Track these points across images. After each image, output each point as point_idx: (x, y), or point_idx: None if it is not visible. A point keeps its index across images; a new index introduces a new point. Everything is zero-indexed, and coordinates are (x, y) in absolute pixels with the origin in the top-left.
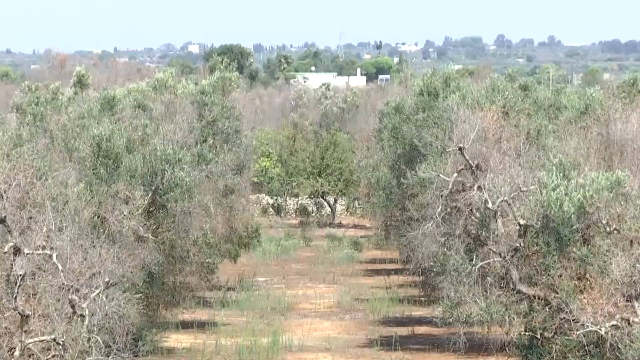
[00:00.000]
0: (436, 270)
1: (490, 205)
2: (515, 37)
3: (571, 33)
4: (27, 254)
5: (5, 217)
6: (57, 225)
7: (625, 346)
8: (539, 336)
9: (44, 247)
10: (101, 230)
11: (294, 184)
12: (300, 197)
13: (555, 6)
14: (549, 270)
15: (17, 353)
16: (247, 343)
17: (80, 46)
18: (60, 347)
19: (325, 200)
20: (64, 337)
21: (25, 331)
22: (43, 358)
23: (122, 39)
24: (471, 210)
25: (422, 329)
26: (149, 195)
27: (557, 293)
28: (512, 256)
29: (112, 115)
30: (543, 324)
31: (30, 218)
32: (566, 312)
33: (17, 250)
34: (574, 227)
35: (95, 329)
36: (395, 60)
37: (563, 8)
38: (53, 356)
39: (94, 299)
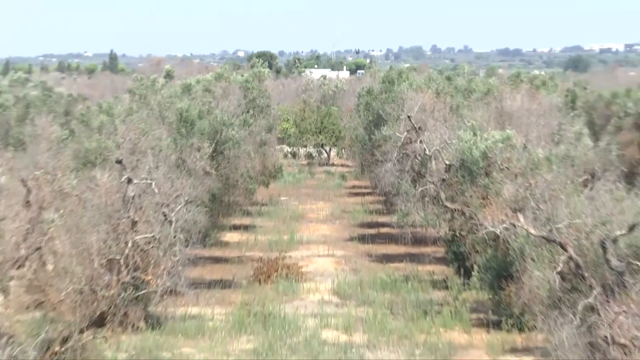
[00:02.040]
0: (393, 193)
1: (427, 152)
2: (443, 46)
3: (479, 43)
4: (136, 183)
5: (122, 159)
6: (155, 165)
7: (512, 240)
8: (457, 234)
9: (146, 178)
10: (182, 168)
11: (303, 138)
12: (307, 147)
13: (468, 25)
14: (464, 193)
15: (129, 245)
16: (274, 238)
17: (169, 52)
18: (157, 241)
19: (323, 149)
20: (159, 235)
21: (135, 231)
22: (146, 248)
23: (195, 47)
24: (415, 155)
25: (384, 230)
26: (213, 146)
27: (469, 207)
28: (441, 184)
29: (189, 95)
30: (460, 226)
31: (137, 160)
32: (475, 219)
33: (129, 180)
34: (480, 165)
35: (178, 230)
36: (368, 61)
37: (474, 26)
38: (152, 247)
39: (178, 211)
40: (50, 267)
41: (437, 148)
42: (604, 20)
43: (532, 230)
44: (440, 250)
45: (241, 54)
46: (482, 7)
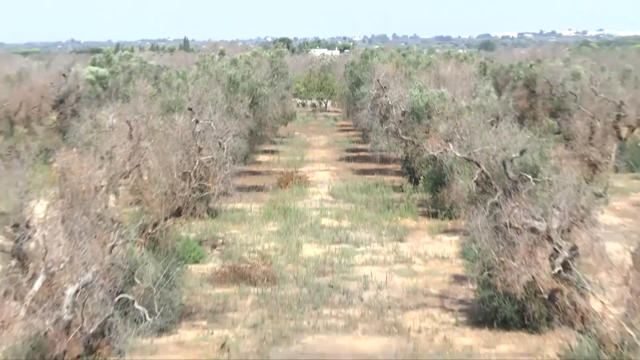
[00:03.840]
0: (368, 129)
1: (390, 103)
2: (400, 34)
3: (423, 32)
4: (201, 122)
5: (192, 108)
6: (213, 111)
7: (445, 160)
8: (409, 156)
9: (207, 120)
10: (231, 113)
11: (309, 94)
12: (312, 99)
13: (416, 20)
14: (414, 130)
15: (197, 163)
16: (291, 159)
17: (223, 37)
18: (214, 160)
19: (322, 101)
20: (216, 157)
21: (200, 154)
22: (207, 165)
23: (240, 34)
24: (382, 105)
25: (362, 153)
26: (251, 99)
27: (417, 139)
28: (399, 124)
29: (235, 66)
30: (411, 151)
31: (202, 108)
32: (420, 146)
33: (196, 121)
34: (424, 111)
35: (229, 153)
36: (351, 44)
37: (420, 20)
38: (211, 164)
39: (228, 141)
40: (145, 177)
41: (396, 100)
42: (505, 16)
43: (457, 154)
44: (398, 167)
45: (269, 39)
46: (425, 8)
